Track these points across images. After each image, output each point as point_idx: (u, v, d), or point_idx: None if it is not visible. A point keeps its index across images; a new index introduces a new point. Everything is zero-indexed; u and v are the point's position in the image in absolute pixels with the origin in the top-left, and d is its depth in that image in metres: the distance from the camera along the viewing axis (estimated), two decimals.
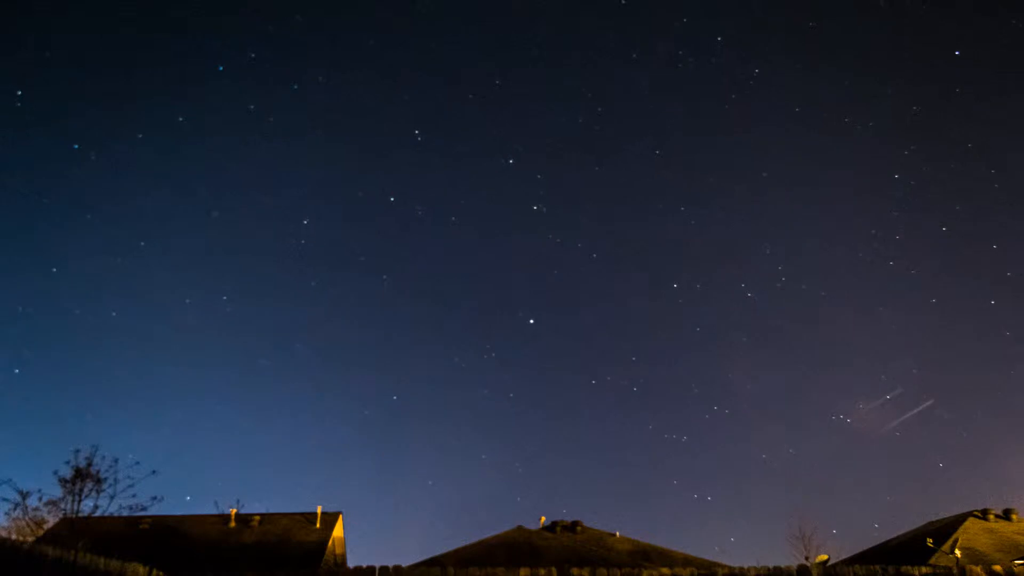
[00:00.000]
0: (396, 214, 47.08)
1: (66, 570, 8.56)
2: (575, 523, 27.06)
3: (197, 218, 46.33)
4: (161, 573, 11.18)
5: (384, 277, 48.68)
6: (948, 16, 44.76)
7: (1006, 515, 23.96)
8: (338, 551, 25.73)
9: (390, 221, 48.51)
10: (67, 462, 18.02)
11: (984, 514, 23.86)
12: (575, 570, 16.16)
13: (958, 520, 23.66)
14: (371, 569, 15.99)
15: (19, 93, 37.82)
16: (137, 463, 18.26)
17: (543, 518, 27.06)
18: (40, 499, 18.06)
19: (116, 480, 17.89)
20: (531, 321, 47.13)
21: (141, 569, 10.63)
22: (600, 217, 49.93)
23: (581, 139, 48.03)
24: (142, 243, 43.59)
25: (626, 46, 46.41)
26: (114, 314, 42.43)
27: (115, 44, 44.49)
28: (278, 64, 45.11)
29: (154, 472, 18.49)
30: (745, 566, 16.72)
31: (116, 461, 18.18)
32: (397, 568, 16.29)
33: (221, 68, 42.66)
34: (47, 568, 8.25)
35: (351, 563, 25.97)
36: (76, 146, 40.95)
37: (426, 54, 47.90)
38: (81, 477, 17.85)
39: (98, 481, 17.86)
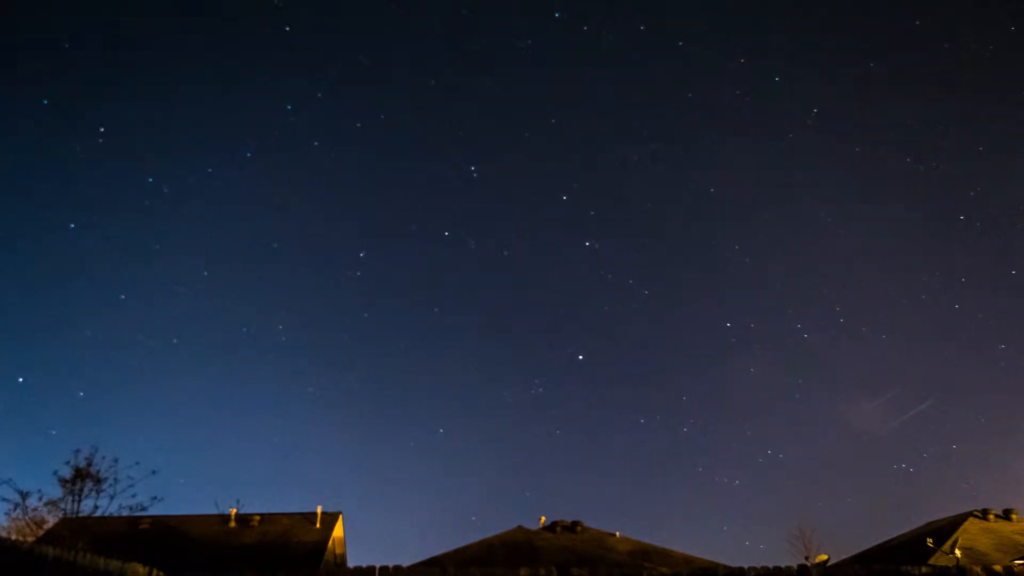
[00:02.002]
0: (449, 248, 47.90)
1: (66, 570, 8.56)
2: (575, 523, 27.06)
3: (261, 249, 47.94)
4: (161, 573, 11.18)
5: (435, 310, 49.78)
6: (1014, 60, 44.68)
7: (1006, 515, 23.95)
8: (338, 551, 25.73)
9: (443, 254, 49.26)
10: (67, 462, 18.09)
11: (984, 514, 23.85)
12: (575, 570, 16.14)
13: (958, 520, 23.66)
14: (371, 569, 15.98)
15: (101, 130, 39.88)
16: (137, 463, 18.33)
17: (543, 518, 27.09)
18: (40, 499, 18.11)
19: (116, 480, 17.97)
20: (580, 357, 47.03)
21: (141, 569, 10.63)
22: (653, 255, 50.03)
23: (636, 176, 48.38)
24: (205, 273, 45.24)
25: (683, 85, 46.65)
26: (175, 341, 44.04)
27: (190, 85, 46.10)
28: (343, 103, 47.03)
29: (154, 472, 18.55)
30: (745, 566, 16.71)
31: (116, 461, 18.25)
32: (397, 568, 16.28)
33: (289, 107, 44.27)
34: (47, 568, 8.25)
35: (351, 563, 25.98)
36: (150, 179, 42.43)
37: (483, 92, 49.04)
38: (81, 477, 17.90)
39: (98, 481, 17.93)
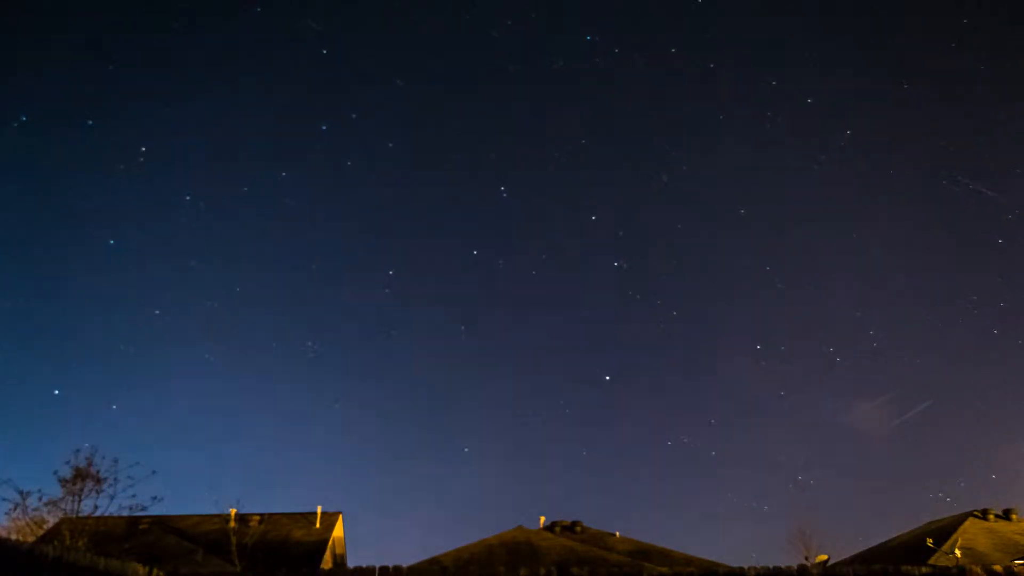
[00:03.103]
0: (478, 267, 48.34)
1: (66, 570, 8.56)
2: (575, 523, 27.05)
3: (293, 266, 48.71)
4: (161, 573, 11.18)
5: (462, 328, 49.92)
6: None
7: (1006, 515, 23.95)
8: (338, 551, 25.73)
9: (472, 273, 49.95)
10: (67, 462, 18.10)
11: (984, 514, 23.85)
12: (575, 570, 16.14)
13: (958, 520, 23.65)
14: (371, 569, 15.97)
15: (143, 149, 40.73)
16: (137, 463, 18.34)
17: (543, 518, 27.10)
18: (40, 499, 18.10)
19: (116, 480, 17.98)
20: (607, 378, 46.94)
21: (141, 569, 10.63)
22: (682, 276, 49.98)
23: (666, 197, 48.54)
24: (238, 289, 45.96)
25: (714, 106, 46.79)
26: (207, 356, 44.69)
27: (228, 105, 47.11)
28: (376, 123, 47.79)
29: (154, 472, 18.57)
30: (745, 566, 16.70)
31: (116, 461, 18.26)
32: (397, 568, 16.27)
33: (324, 127, 45.56)
34: (47, 568, 8.25)
35: (351, 563, 25.98)
36: (188, 196, 43.22)
37: (515, 113, 49.75)
38: (81, 477, 17.90)
39: (98, 481, 17.94)
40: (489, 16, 45.64)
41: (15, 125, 38.69)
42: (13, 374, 42.58)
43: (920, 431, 44.40)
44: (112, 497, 17.86)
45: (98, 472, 17.98)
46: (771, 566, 16.61)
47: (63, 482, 17.88)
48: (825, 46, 47.02)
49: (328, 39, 43.46)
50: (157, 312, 42.72)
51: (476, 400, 50.93)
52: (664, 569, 18.98)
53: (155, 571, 11.11)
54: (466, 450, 47.22)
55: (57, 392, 37.73)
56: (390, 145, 46.58)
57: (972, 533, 22.63)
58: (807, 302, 48.00)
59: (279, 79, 46.65)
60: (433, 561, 21.57)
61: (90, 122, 41.50)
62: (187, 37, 43.98)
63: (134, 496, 17.94)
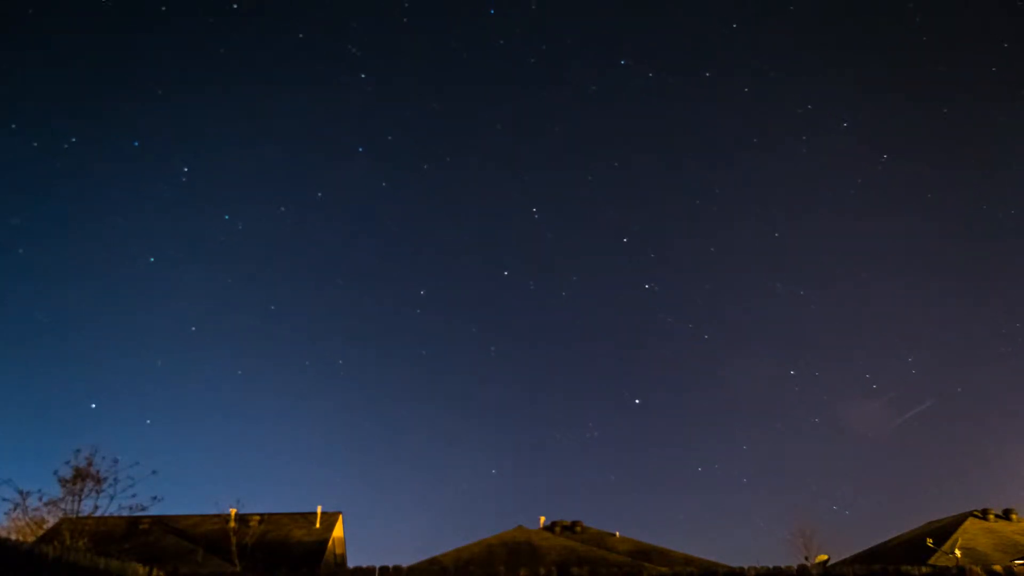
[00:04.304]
0: (509, 288, 49.35)
1: (66, 570, 8.56)
2: (575, 523, 27.05)
3: (327, 285, 49.83)
4: (161, 573, 11.18)
5: (492, 348, 50.53)
6: None
7: (1006, 515, 23.94)
8: (338, 551, 25.72)
9: (503, 294, 50.54)
10: (67, 462, 18.07)
11: (984, 514, 23.85)
12: (575, 570, 16.14)
13: (958, 520, 23.65)
14: (371, 569, 15.97)
15: (185, 170, 42.44)
16: (137, 463, 18.32)
17: (543, 518, 27.09)
18: (40, 499, 18.08)
19: (116, 480, 17.96)
20: (637, 401, 47.06)
21: (141, 569, 10.62)
22: (713, 298, 50.06)
23: (698, 220, 48.68)
24: (272, 307, 47.20)
25: (748, 129, 47.15)
26: (239, 373, 46.23)
27: (268, 128, 48.28)
28: (412, 146, 48.80)
29: (154, 472, 18.55)
30: (745, 566, 16.69)
31: (116, 461, 18.24)
32: (397, 568, 16.28)
33: (361, 149, 46.61)
34: (47, 568, 8.24)
35: (351, 563, 25.98)
36: (227, 216, 44.53)
37: (546, 138, 50.12)
38: (81, 477, 17.87)
39: (98, 481, 17.91)
40: (525, 41, 46.66)
41: (65, 147, 40.53)
42: (49, 387, 44.33)
43: (920, 431, 44.47)
44: (112, 497, 17.83)
45: (98, 472, 17.96)
46: (771, 566, 16.61)
47: (63, 482, 17.86)
48: (861, 72, 47.24)
49: (367, 63, 45.02)
50: (193, 328, 44.31)
51: (508, 419, 51.59)
52: (664, 569, 18.97)
53: (155, 571, 11.11)
54: (495, 471, 47.19)
55: (94, 406, 38.64)
56: (424, 167, 47.82)
57: (972, 533, 22.62)
58: (845, 322, 48.04)
59: (317, 102, 47.98)
60: (433, 561, 21.56)
61: (136, 143, 43.09)
62: (230, 64, 45.48)
63: (134, 496, 17.92)
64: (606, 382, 51.92)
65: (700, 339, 46.61)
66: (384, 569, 15.83)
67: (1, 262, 42.28)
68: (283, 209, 45.92)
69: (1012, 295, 47.56)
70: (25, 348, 44.33)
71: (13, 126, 40.76)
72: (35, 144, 40.63)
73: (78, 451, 18.17)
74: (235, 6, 42.31)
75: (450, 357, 50.98)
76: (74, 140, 40.99)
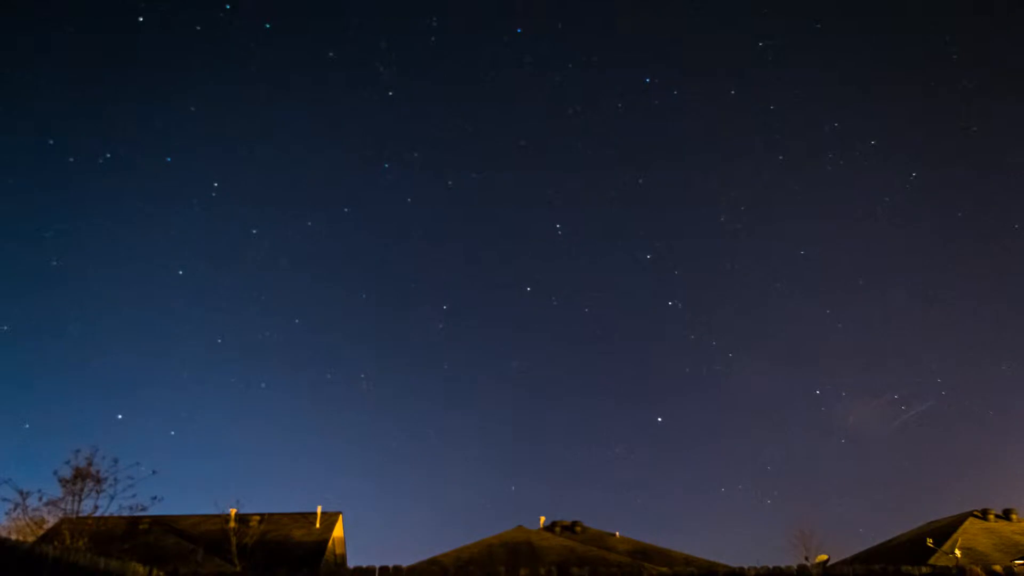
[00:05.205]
0: (532, 304, 49.31)
1: (66, 570, 8.56)
2: (575, 523, 27.05)
3: (351, 299, 50.64)
4: (161, 573, 11.19)
5: (514, 363, 50.73)
6: None
7: (1006, 515, 23.94)
8: (338, 551, 25.72)
9: (525, 311, 50.91)
10: (67, 462, 18.04)
11: (984, 514, 23.85)
12: (575, 570, 16.15)
13: (958, 520, 23.65)
14: (371, 569, 15.98)
15: (215, 185, 43.73)
16: (137, 463, 18.31)
17: (543, 518, 27.09)
18: (40, 499, 18.04)
19: (116, 480, 17.94)
20: (659, 419, 46.99)
21: (141, 569, 10.63)
22: (737, 316, 50.10)
23: (723, 237, 48.64)
24: (297, 320, 47.81)
25: (774, 148, 46.85)
26: (263, 386, 46.86)
27: (296, 145, 48.82)
28: (437, 162, 49.18)
29: (154, 472, 18.54)
30: (745, 566, 16.70)
31: (116, 461, 18.22)
32: (397, 568, 16.28)
33: (387, 165, 46.89)
34: (47, 568, 8.24)
35: (351, 563, 25.98)
36: (254, 231, 45.52)
37: (570, 154, 50.23)
38: (81, 477, 17.85)
39: (98, 481, 17.88)
40: (550, 60, 47.13)
41: (100, 162, 41.51)
42: (78, 397, 44.97)
43: (920, 431, 44.49)
44: (112, 497, 17.81)
45: (98, 472, 17.94)
46: (771, 566, 16.62)
47: (63, 482, 17.84)
48: (890, 90, 47.25)
49: (394, 82, 45.55)
50: (219, 341, 45.12)
51: (532, 435, 51.66)
52: (664, 569, 18.98)
53: (155, 571, 11.12)
54: (514, 486, 47.43)
55: (120, 417, 39.36)
56: (449, 183, 48.05)
57: (972, 533, 22.62)
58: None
59: (345, 119, 48.62)
60: (433, 561, 21.56)
61: (168, 159, 44.17)
62: (261, 82, 46.14)
63: (134, 496, 17.91)
64: (629, 400, 52.25)
65: (725, 356, 46.37)
66: (384, 569, 15.81)
67: (35, 274, 43.42)
68: (310, 224, 46.81)
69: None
70: (56, 359, 45.44)
71: (51, 142, 41.85)
72: (71, 160, 41.95)
73: (78, 451, 18.17)
74: (268, 26, 42.88)
75: (471, 372, 51.65)
76: (108, 156, 41.93)
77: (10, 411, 41.15)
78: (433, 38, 44.86)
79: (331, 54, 45.51)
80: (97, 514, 17.93)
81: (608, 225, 50.24)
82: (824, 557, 17.50)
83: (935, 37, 44.67)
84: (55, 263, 41.74)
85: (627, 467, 48.53)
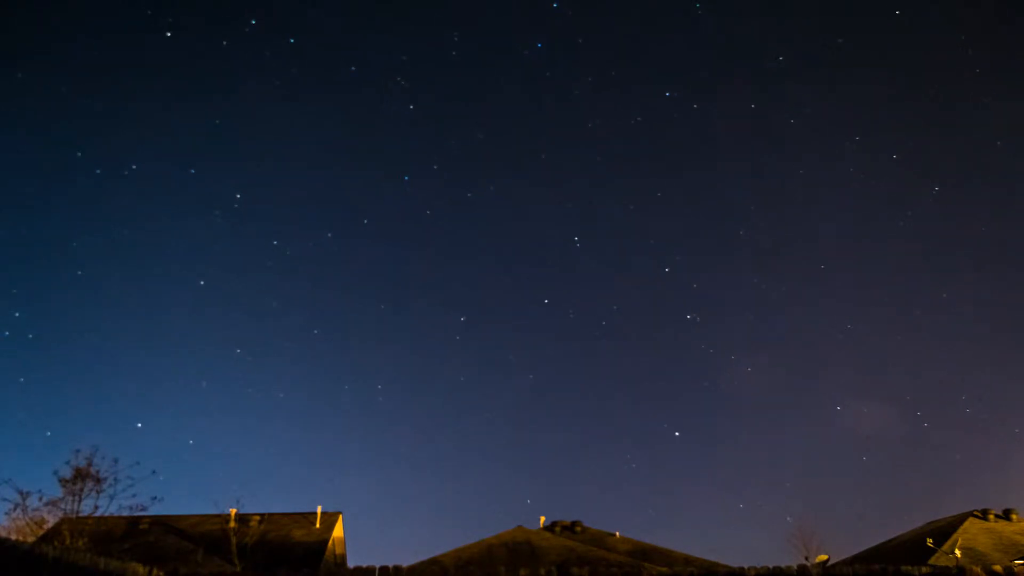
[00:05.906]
0: (549, 316, 49.64)
1: (66, 570, 8.56)
2: (575, 523, 27.05)
3: (369, 311, 50.64)
4: (161, 573, 11.19)
5: (531, 376, 50.83)
6: None
7: (1006, 515, 23.95)
8: (338, 551, 25.72)
9: (542, 322, 50.80)
10: (67, 462, 18.04)
11: (984, 514, 23.85)
12: (575, 570, 16.15)
13: (958, 520, 23.65)
14: (371, 569, 15.98)
15: (238, 196, 43.83)
16: (137, 463, 18.30)
17: (543, 518, 27.10)
18: (40, 499, 18.03)
19: (116, 480, 17.93)
20: (676, 433, 46.88)
21: (141, 569, 10.64)
22: (756, 330, 49.92)
23: (741, 250, 48.72)
24: (315, 331, 48.10)
25: (794, 161, 47.01)
26: (280, 396, 47.24)
27: (317, 157, 49.38)
28: (457, 175, 49.34)
29: (154, 472, 18.53)
30: (745, 566, 16.70)
31: (116, 461, 18.21)
32: (397, 568, 16.28)
33: (407, 177, 47.20)
34: (47, 568, 8.25)
35: (351, 563, 25.98)
36: (275, 242, 45.61)
37: (589, 165, 50.52)
38: (81, 477, 17.84)
39: (98, 481, 17.88)
40: (570, 73, 47.37)
41: (126, 173, 42.46)
42: (97, 404, 45.19)
43: (920, 431, 44.49)
44: (112, 497, 17.80)
45: (98, 472, 17.93)
46: (771, 566, 16.62)
47: (63, 482, 17.83)
48: (911, 104, 47.30)
49: (415, 95, 46.26)
50: (238, 351, 45.11)
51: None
52: (664, 569, 18.98)
53: (155, 571, 11.12)
54: (529, 498, 48.12)
55: (140, 425, 39.76)
56: (468, 195, 48.73)
57: (972, 533, 22.62)
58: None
59: (366, 131, 49.20)
60: (433, 561, 21.56)
61: (192, 171, 45.16)
62: (284, 96, 46.54)
63: (134, 496, 17.90)
64: (646, 414, 52.29)
65: (744, 371, 46.09)
66: (384, 569, 15.81)
67: (61, 284, 44.00)
68: (330, 235, 46.99)
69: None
70: (80, 367, 45.87)
71: (79, 154, 42.54)
72: (98, 171, 42.55)
73: (78, 451, 18.16)
74: (292, 41, 43.44)
75: (487, 383, 51.59)
76: (134, 167, 42.73)
77: (34, 418, 41.97)
78: (454, 52, 45.51)
79: (353, 68, 46.39)
80: (97, 514, 17.92)
81: (626, 237, 50.52)
82: (824, 557, 17.50)
83: (959, 51, 44.70)
84: (80, 272, 42.45)
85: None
